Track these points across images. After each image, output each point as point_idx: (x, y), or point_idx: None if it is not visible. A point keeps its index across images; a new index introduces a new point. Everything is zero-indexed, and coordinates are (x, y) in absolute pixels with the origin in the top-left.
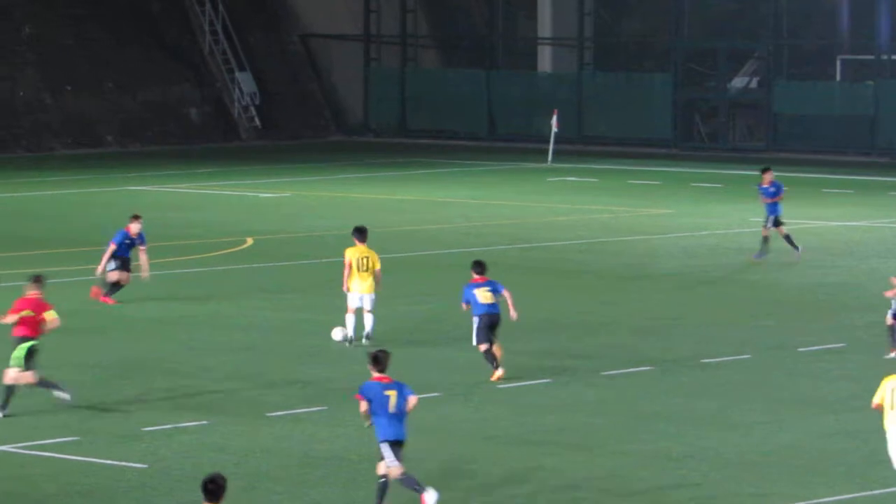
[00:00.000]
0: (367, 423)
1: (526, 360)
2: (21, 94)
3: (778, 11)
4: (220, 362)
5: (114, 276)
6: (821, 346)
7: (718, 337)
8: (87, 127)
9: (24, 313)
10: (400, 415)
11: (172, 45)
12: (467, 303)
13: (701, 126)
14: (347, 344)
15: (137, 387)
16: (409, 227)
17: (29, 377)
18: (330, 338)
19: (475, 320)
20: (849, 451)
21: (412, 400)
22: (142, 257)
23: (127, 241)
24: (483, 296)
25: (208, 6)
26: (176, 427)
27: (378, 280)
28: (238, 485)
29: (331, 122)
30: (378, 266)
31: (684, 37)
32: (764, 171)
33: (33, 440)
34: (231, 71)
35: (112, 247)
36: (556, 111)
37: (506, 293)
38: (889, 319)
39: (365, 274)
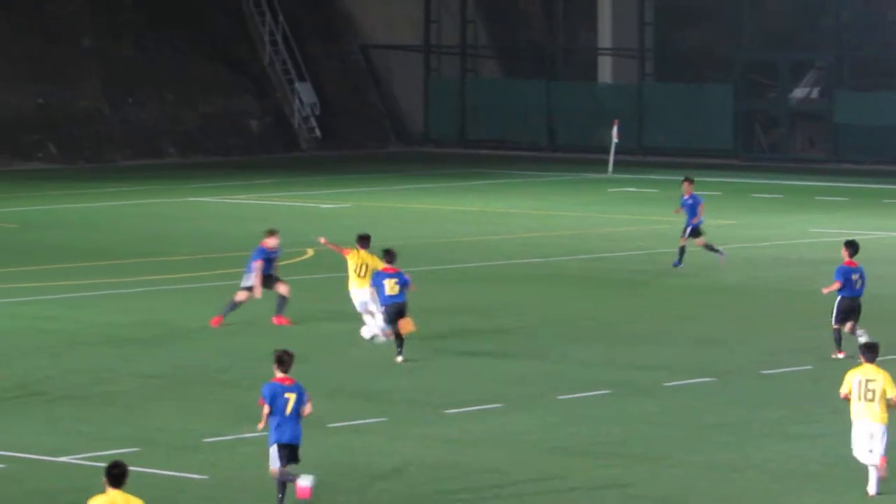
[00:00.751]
0: (261, 426)
1: (587, 371)
2: (82, 105)
3: (840, 22)
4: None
5: (242, 295)
6: (885, 357)
7: (780, 347)
8: (149, 138)
9: None
10: (295, 417)
11: (233, 57)
12: (374, 287)
13: (762, 137)
14: (383, 338)
15: (196, 398)
16: (469, 238)
17: None
18: (387, 350)
19: (382, 308)
20: None
21: (308, 407)
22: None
23: (267, 257)
24: (390, 287)
25: (269, 17)
26: (237, 438)
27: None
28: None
29: (391, 132)
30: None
31: (745, 47)
32: (685, 181)
33: (94, 451)
34: (291, 82)
35: (260, 264)
36: (616, 122)
37: (413, 288)
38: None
39: (362, 280)
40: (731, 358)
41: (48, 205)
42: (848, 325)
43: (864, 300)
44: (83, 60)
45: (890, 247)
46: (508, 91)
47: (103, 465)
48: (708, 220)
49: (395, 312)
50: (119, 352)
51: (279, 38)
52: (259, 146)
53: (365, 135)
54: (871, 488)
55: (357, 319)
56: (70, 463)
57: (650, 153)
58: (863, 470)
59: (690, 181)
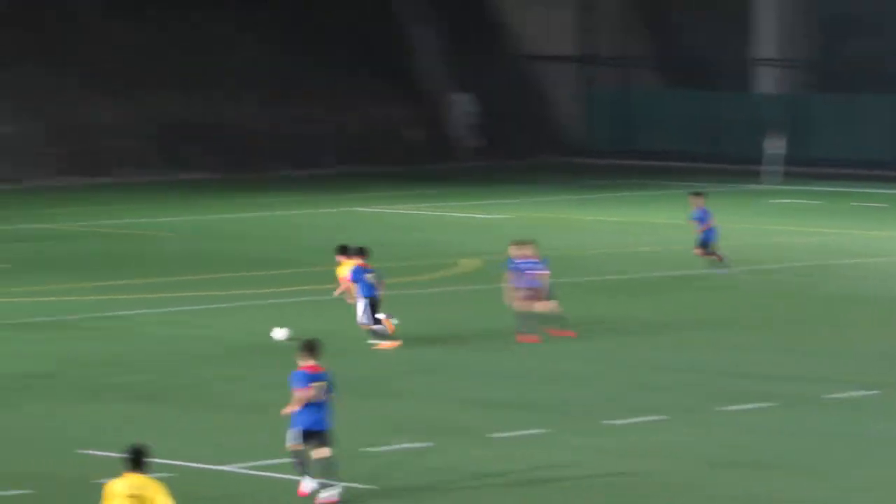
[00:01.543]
0: (286, 411)
1: (750, 383)
2: (241, 116)
3: None
4: (441, 382)
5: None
6: None
7: None
8: (307, 149)
9: None
10: (320, 405)
11: (391, 66)
12: (355, 282)
13: None
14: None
15: (360, 408)
16: (629, 250)
17: None
18: (547, 359)
19: (363, 301)
20: None
21: (334, 396)
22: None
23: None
24: (371, 280)
25: (427, 27)
26: (401, 448)
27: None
28: None
29: (549, 142)
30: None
31: None
32: (694, 195)
33: (254, 460)
34: (450, 92)
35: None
36: (777, 133)
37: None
38: None
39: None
40: (893, 370)
41: (206, 215)
42: None
43: None
44: (242, 72)
45: None
46: (668, 101)
47: (263, 474)
48: (869, 232)
49: (373, 305)
50: (274, 361)
51: (437, 47)
52: (417, 156)
53: (523, 145)
54: None
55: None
56: (233, 472)
57: (812, 164)
58: None
59: (698, 195)
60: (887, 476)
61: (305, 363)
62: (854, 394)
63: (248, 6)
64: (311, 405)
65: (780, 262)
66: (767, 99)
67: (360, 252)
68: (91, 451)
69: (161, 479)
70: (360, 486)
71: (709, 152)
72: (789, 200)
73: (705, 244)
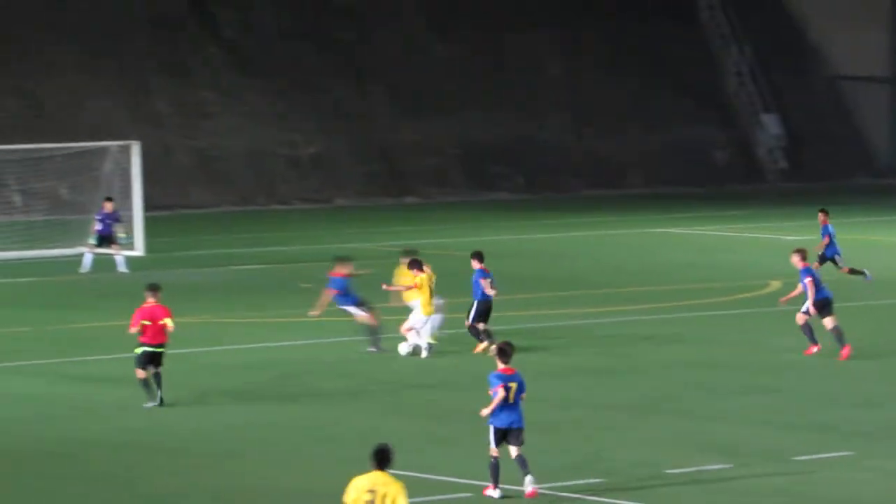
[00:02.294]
0: (486, 412)
1: None
2: (548, 136)
3: None
4: (739, 405)
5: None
6: None
7: None
8: (611, 168)
9: (142, 323)
10: (514, 405)
11: (698, 86)
12: (481, 282)
13: None
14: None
15: (655, 428)
16: None
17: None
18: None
19: (476, 304)
20: None
21: (523, 396)
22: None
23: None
24: (487, 287)
25: (735, 47)
26: (699, 470)
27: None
28: None
29: (859, 164)
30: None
31: None
32: (820, 211)
33: (557, 481)
34: (757, 112)
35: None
36: None
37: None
38: None
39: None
40: None
41: (509, 234)
42: None
43: None
44: (549, 92)
45: None
46: None
47: (566, 494)
48: None
49: (485, 309)
50: (580, 381)
51: (746, 68)
52: (723, 177)
53: (831, 167)
54: None
55: None
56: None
57: None
58: None
59: (824, 212)
60: None
61: (501, 366)
62: None
63: (559, 28)
64: (505, 405)
65: None
66: None
67: (479, 257)
68: None
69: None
70: None
71: None
72: None
73: (825, 259)
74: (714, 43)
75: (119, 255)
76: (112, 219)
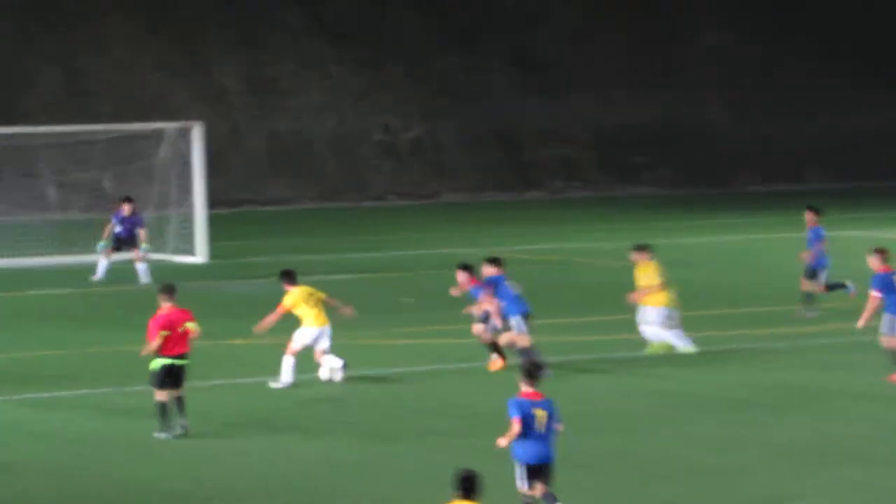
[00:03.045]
0: (503, 443)
1: None
2: (703, 120)
3: None
4: None
5: None
6: None
7: None
8: (784, 161)
9: (162, 334)
10: (546, 435)
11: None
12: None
13: None
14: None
15: (811, 472)
16: None
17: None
18: None
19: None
20: None
21: (559, 427)
22: None
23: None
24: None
25: None
26: None
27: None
28: None
29: None
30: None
31: None
32: (809, 209)
33: None
34: None
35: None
36: None
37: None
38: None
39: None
40: None
41: (661, 237)
42: None
43: None
44: (701, 68)
45: None
46: None
47: None
48: None
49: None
50: (742, 417)
51: None
52: None
53: None
54: None
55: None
56: None
57: None
58: None
59: (810, 209)
60: None
61: (525, 390)
62: None
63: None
64: (533, 436)
65: None
66: None
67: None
68: None
69: None
70: None
71: None
72: None
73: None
74: None
75: (141, 264)
76: (132, 223)
